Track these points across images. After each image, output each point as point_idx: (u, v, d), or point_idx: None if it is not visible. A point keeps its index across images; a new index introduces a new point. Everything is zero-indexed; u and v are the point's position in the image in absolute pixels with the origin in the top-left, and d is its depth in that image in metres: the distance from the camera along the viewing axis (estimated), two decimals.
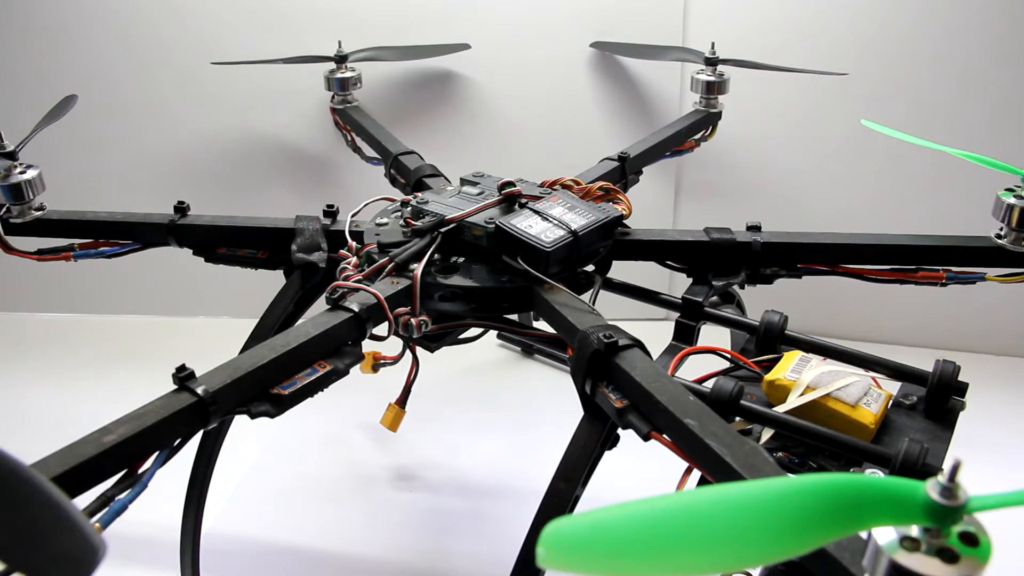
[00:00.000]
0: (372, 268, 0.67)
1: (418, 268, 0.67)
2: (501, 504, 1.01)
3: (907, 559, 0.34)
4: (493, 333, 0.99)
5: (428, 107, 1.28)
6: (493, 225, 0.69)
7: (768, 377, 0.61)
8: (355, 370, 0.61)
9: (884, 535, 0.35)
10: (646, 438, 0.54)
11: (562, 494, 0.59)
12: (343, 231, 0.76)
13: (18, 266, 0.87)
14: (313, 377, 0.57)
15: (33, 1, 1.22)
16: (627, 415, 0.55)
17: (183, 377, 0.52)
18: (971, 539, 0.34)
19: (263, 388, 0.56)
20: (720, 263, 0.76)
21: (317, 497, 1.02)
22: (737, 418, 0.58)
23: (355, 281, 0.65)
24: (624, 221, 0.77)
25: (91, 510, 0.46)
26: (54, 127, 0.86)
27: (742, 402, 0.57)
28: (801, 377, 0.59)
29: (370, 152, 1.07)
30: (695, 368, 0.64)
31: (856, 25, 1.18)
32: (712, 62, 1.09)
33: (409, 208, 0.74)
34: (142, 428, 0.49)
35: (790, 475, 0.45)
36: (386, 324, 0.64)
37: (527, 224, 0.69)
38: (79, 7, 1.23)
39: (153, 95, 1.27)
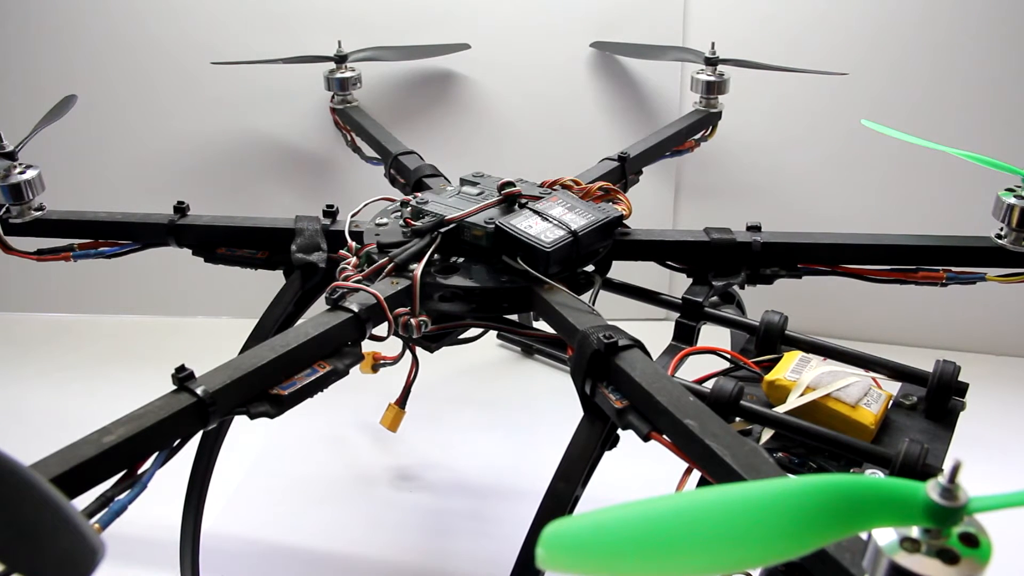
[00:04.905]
0: (372, 268, 0.67)
1: (418, 268, 0.67)
2: (501, 504, 1.01)
3: (907, 560, 0.34)
4: (493, 333, 0.99)
5: (428, 107, 1.28)
6: (493, 225, 0.69)
7: (768, 377, 0.61)
8: (355, 370, 0.61)
9: (884, 536, 0.35)
10: (646, 438, 0.54)
11: (562, 494, 0.59)
12: (343, 231, 0.76)
13: (18, 266, 0.87)
14: (313, 378, 0.57)
15: (33, 0, 1.22)
16: (627, 415, 0.55)
17: (183, 377, 0.52)
18: (971, 540, 0.34)
19: (263, 388, 0.55)
20: (720, 263, 0.76)
21: (317, 497, 1.02)
22: (737, 418, 0.58)
23: (355, 281, 0.65)
24: (624, 221, 0.77)
25: (91, 511, 0.46)
26: (54, 127, 0.86)
27: (742, 402, 0.57)
28: (801, 377, 0.59)
29: (370, 152, 1.07)
30: (695, 368, 0.64)
31: (857, 25, 1.18)
32: (712, 62, 1.09)
33: (409, 208, 0.74)
34: (142, 429, 0.48)
35: (790, 476, 0.45)
36: (386, 324, 0.64)
37: (527, 224, 0.69)
38: (79, 7, 1.23)
39: (153, 95, 1.27)
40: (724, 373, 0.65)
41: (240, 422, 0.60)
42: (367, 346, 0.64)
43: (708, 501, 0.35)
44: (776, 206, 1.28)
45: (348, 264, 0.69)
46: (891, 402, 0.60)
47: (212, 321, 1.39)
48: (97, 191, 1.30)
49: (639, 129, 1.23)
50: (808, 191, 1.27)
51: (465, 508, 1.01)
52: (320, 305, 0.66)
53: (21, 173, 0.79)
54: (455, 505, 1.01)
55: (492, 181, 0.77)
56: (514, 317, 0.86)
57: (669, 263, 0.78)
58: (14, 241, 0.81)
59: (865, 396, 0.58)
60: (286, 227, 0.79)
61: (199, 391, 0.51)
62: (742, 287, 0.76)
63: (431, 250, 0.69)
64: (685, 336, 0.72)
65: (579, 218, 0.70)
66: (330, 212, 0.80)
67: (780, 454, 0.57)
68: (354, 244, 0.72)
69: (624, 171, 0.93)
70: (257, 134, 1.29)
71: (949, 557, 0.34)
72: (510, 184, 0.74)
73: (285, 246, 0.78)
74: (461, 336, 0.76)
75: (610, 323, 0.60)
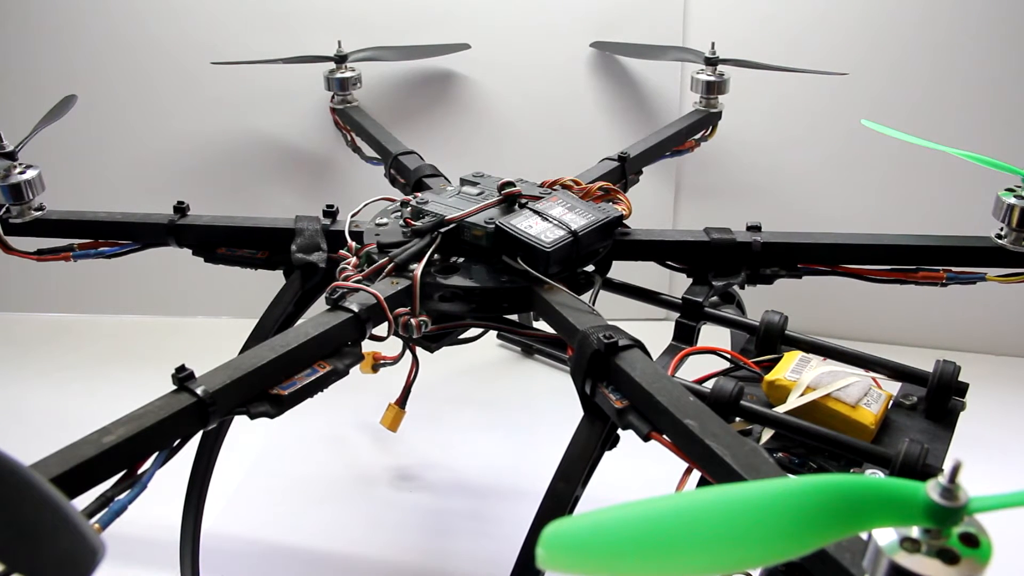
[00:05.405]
0: (372, 268, 0.67)
1: (418, 268, 0.67)
2: (501, 504, 1.01)
3: (907, 560, 0.34)
4: (493, 333, 0.99)
5: (428, 107, 1.28)
6: (493, 225, 0.69)
7: (768, 377, 0.61)
8: (355, 370, 0.61)
9: (884, 536, 0.35)
10: (646, 438, 0.54)
11: (562, 494, 0.59)
12: (343, 231, 0.76)
13: (18, 266, 0.87)
14: (313, 378, 0.57)
15: (33, 1, 1.22)
16: (627, 415, 0.55)
17: (183, 378, 0.52)
18: (971, 540, 0.34)
19: (263, 388, 0.55)
20: (720, 263, 0.76)
21: (317, 497, 1.02)
22: (737, 418, 0.58)
23: (355, 281, 0.65)
24: (624, 221, 0.77)
25: (90, 511, 0.46)
26: (54, 127, 0.86)
27: (742, 402, 0.57)
28: (801, 377, 0.59)
29: (370, 152, 1.07)
30: (695, 368, 0.64)
31: (857, 25, 1.18)
32: (712, 62, 1.09)
33: (409, 208, 0.74)
34: (141, 429, 0.48)
35: (790, 476, 0.45)
36: (386, 324, 0.64)
37: (527, 224, 0.69)
38: (79, 7, 1.23)
39: (153, 95, 1.27)
40: (724, 373, 0.65)
41: (240, 422, 0.60)
42: (367, 346, 0.64)
43: (708, 501, 0.35)
44: (776, 206, 1.28)
45: (348, 264, 0.69)
46: (891, 402, 0.60)
47: (212, 321, 1.39)
48: (97, 191, 1.30)
49: (639, 129, 1.23)
50: (808, 191, 1.27)
51: (465, 508, 1.01)
52: (320, 305, 0.66)
53: (21, 173, 0.79)
54: (455, 505, 1.01)
55: (492, 181, 0.77)
56: (514, 317, 0.86)
57: (669, 263, 0.78)
58: (14, 241, 0.81)
59: (865, 396, 0.58)
60: (286, 227, 0.79)
61: (199, 391, 0.51)
62: (742, 287, 0.76)
63: (431, 250, 0.69)
64: (685, 336, 0.72)
65: (579, 218, 0.70)
66: (330, 212, 0.80)
67: (780, 454, 0.57)
68: (354, 244, 0.72)
69: (624, 171, 0.93)
70: (257, 134, 1.29)
71: (949, 557, 0.34)
72: (510, 184, 0.74)
73: (285, 246, 0.78)
74: (461, 336, 0.76)
75: (610, 323, 0.60)
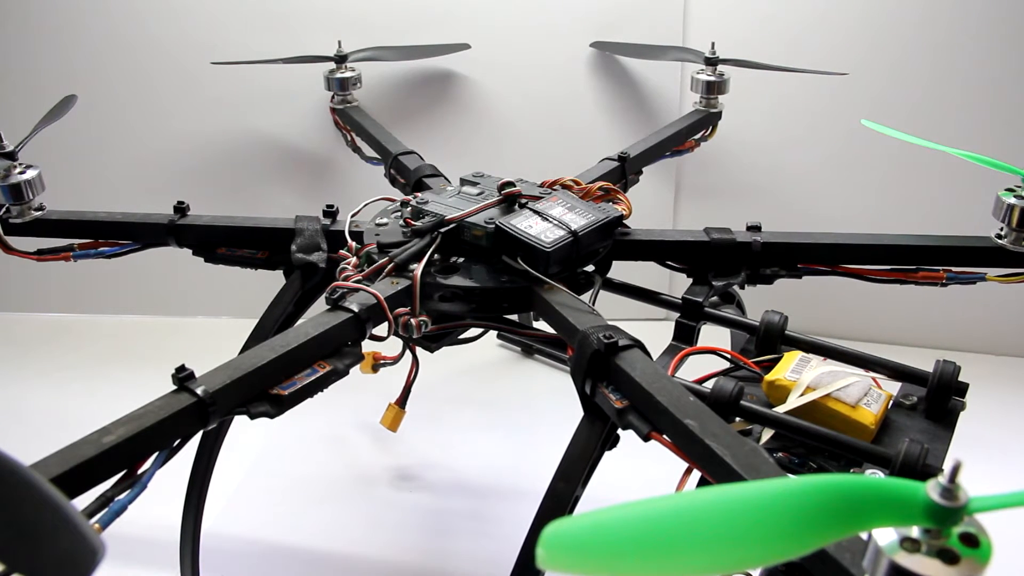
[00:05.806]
0: (372, 268, 0.67)
1: (418, 268, 0.67)
2: (501, 504, 1.01)
3: (907, 560, 0.34)
4: (493, 333, 0.99)
5: (428, 107, 1.28)
6: (493, 225, 0.69)
7: (768, 377, 0.61)
8: (355, 370, 0.61)
9: (884, 536, 0.35)
10: (646, 438, 0.54)
11: (562, 494, 0.59)
12: (343, 231, 0.76)
13: (18, 266, 0.87)
14: (313, 378, 0.57)
15: (33, 1, 1.22)
16: (627, 415, 0.55)
17: (183, 378, 0.52)
18: (971, 540, 0.34)
19: (263, 388, 0.55)
20: (720, 263, 0.76)
21: (317, 497, 1.02)
22: (737, 418, 0.58)
23: (355, 281, 0.65)
24: (624, 221, 0.77)
25: (90, 511, 0.46)
26: (54, 127, 0.86)
27: (742, 402, 0.57)
28: (801, 377, 0.59)
29: (370, 152, 1.07)
30: (695, 368, 0.64)
31: (857, 25, 1.18)
32: (712, 62, 1.09)
33: (409, 208, 0.74)
34: (141, 429, 0.48)
35: (790, 476, 0.45)
36: (386, 324, 0.64)
37: (527, 224, 0.69)
38: (79, 7, 1.23)
39: (153, 95, 1.27)
40: (724, 373, 0.65)
41: (240, 422, 0.60)
42: (367, 346, 0.64)
43: (708, 501, 0.35)
44: (776, 206, 1.28)
45: (348, 264, 0.69)
46: (891, 402, 0.60)
47: (212, 321, 1.39)
48: (97, 191, 1.30)
49: (639, 129, 1.23)
50: (808, 191, 1.27)
51: (465, 508, 1.01)
52: (320, 305, 0.66)
53: (21, 173, 0.79)
54: (455, 505, 1.01)
55: (492, 181, 0.77)
56: (514, 317, 0.86)
57: (669, 263, 0.78)
58: (14, 241, 0.81)
59: (865, 396, 0.58)
60: (286, 227, 0.79)
61: (199, 391, 0.51)
62: (742, 287, 0.76)
63: (431, 250, 0.69)
64: (685, 336, 0.72)
65: (579, 218, 0.70)
66: (330, 212, 0.80)
67: (780, 454, 0.57)
68: (354, 244, 0.72)
69: (624, 171, 0.93)
70: (257, 134, 1.29)
71: (949, 557, 0.34)
72: (510, 184, 0.74)
73: (285, 246, 0.78)
74: (461, 336, 0.76)
75: (610, 323, 0.60)
